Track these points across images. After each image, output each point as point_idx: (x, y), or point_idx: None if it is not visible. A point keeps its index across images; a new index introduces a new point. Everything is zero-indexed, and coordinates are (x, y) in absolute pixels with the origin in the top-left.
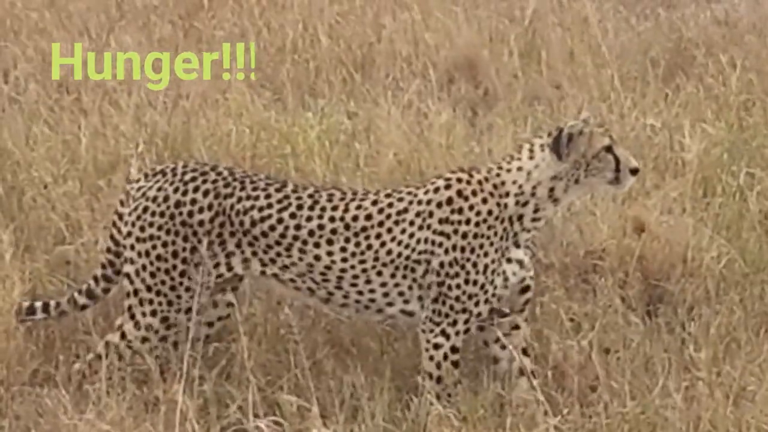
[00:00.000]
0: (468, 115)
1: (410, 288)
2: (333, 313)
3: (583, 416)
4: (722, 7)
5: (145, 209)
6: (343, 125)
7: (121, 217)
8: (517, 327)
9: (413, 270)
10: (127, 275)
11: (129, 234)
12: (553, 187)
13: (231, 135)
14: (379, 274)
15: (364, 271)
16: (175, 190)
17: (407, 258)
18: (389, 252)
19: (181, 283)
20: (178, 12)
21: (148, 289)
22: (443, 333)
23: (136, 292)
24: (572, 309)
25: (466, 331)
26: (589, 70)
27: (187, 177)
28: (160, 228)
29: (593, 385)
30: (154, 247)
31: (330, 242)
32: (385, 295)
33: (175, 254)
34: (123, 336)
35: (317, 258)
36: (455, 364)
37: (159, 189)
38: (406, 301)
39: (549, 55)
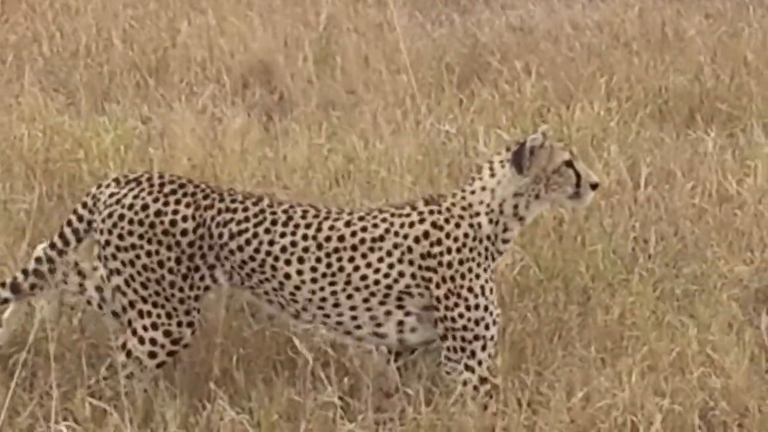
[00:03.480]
0: (263, 120)
1: (388, 313)
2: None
3: (377, 422)
4: (517, 14)
5: (122, 216)
6: (138, 130)
7: (80, 218)
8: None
9: (399, 299)
10: (118, 288)
11: (107, 243)
12: (516, 204)
13: (24, 139)
14: (350, 297)
15: (334, 293)
16: (155, 200)
17: (388, 287)
18: (364, 277)
19: (173, 294)
20: None
21: (144, 300)
22: (467, 368)
23: (132, 304)
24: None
25: (489, 356)
26: (384, 76)
27: (166, 189)
28: (141, 237)
29: (390, 392)
30: (138, 256)
31: (301, 261)
32: (354, 318)
33: (161, 264)
34: (129, 354)
35: (287, 276)
36: (489, 394)
37: (135, 197)
38: (378, 325)
39: (344, 60)
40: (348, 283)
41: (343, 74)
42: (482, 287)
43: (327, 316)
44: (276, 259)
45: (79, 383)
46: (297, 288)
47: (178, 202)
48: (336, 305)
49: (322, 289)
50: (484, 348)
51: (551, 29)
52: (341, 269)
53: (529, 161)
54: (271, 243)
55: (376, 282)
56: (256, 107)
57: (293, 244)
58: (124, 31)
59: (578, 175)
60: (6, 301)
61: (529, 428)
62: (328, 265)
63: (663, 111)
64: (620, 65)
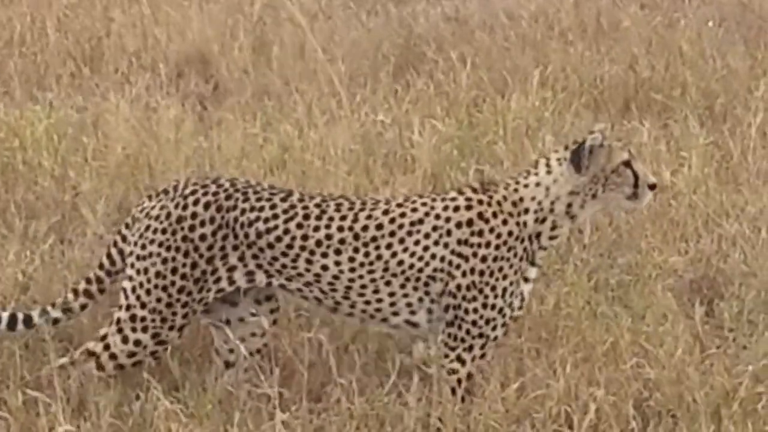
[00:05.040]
0: (197, 110)
1: (420, 300)
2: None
3: (311, 412)
4: (452, 4)
5: (147, 227)
6: (72, 119)
7: (124, 238)
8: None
9: (426, 284)
10: (123, 290)
11: (131, 253)
12: (570, 203)
13: None
14: (388, 284)
15: (373, 281)
16: (176, 206)
17: (420, 270)
18: (400, 263)
19: (178, 300)
20: None
21: (143, 306)
22: (459, 359)
23: (128, 308)
24: (304, 305)
25: (482, 356)
26: (319, 65)
27: (188, 191)
28: (161, 245)
29: (325, 382)
30: (153, 264)
31: (338, 252)
32: (392, 305)
33: (174, 270)
34: (107, 347)
35: (324, 268)
36: (469, 391)
37: (162, 207)
38: (412, 312)
39: (279, 50)
40: (386, 269)
41: (279, 64)
42: (505, 289)
43: (368, 302)
44: (312, 252)
45: (12, 373)
46: (335, 278)
47: (196, 204)
48: (376, 291)
49: (361, 277)
50: (483, 346)
51: (486, 19)
52: (379, 257)
53: (588, 160)
54: (305, 237)
55: (411, 266)
56: (191, 97)
57: (328, 236)
58: (59, 19)
59: (636, 176)
60: (57, 321)
61: (463, 418)
62: (366, 254)
63: (598, 101)
64: (555, 55)
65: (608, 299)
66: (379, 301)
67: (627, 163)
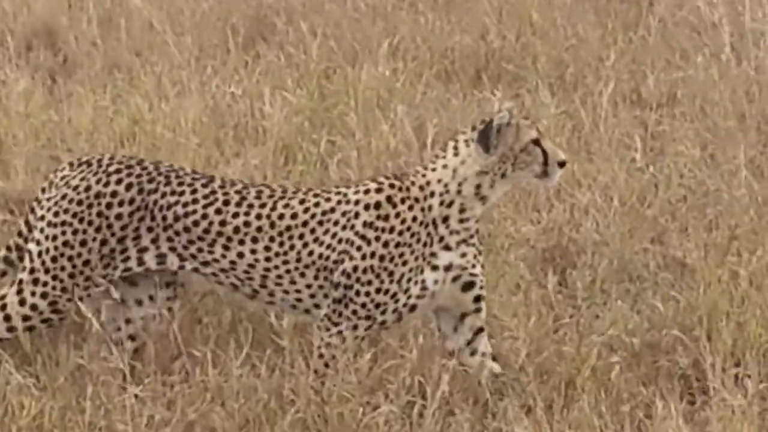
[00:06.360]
0: (47, 83)
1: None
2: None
3: (164, 385)
4: None
5: (64, 196)
6: None
7: (40, 203)
8: (480, 330)
9: (332, 271)
10: (29, 252)
11: (42, 218)
12: (479, 184)
13: None
14: (303, 275)
15: (288, 271)
16: (98, 181)
17: (327, 259)
18: (311, 253)
19: (81, 272)
20: None
21: (46, 271)
22: (340, 334)
23: (32, 271)
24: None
25: (364, 338)
26: (168, 38)
27: (112, 168)
28: (74, 215)
29: (177, 354)
30: (63, 233)
31: (255, 240)
32: (312, 296)
33: (83, 243)
34: (3, 308)
35: (240, 255)
36: (336, 366)
37: (82, 179)
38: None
39: (128, 22)
40: (299, 260)
41: (128, 36)
42: (402, 274)
43: (286, 293)
44: (229, 239)
45: None
46: (251, 266)
47: (119, 183)
48: (292, 282)
49: (276, 267)
50: (368, 328)
51: None
52: (292, 247)
53: (496, 139)
54: (223, 223)
55: (320, 256)
56: (40, 70)
57: (246, 224)
58: None
59: (545, 153)
60: None
61: (316, 390)
62: (281, 244)
63: (449, 71)
64: (406, 26)
65: None
66: (298, 291)
67: (536, 141)
